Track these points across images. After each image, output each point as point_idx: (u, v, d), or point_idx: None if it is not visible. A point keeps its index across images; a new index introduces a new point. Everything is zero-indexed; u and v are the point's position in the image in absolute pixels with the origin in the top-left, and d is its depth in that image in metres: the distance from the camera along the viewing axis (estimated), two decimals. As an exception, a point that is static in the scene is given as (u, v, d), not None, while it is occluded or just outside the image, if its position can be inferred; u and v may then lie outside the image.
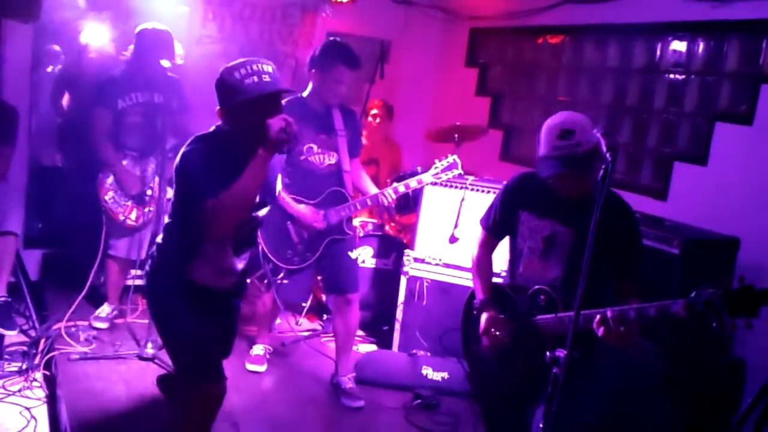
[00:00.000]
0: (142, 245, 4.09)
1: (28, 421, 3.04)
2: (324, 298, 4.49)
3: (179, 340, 2.48)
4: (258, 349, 3.93)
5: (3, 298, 3.58)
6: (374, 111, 5.23)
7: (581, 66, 5.01)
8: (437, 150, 4.48)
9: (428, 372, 3.86)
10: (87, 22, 4.76)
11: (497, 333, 2.48)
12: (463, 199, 4.06)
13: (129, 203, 4.02)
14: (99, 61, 4.65)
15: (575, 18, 4.94)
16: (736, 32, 3.87)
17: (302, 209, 3.50)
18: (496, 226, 2.63)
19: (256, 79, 2.21)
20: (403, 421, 3.53)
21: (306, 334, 4.45)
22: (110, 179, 3.99)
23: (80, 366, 3.60)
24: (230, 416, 3.26)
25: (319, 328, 4.58)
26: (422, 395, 3.68)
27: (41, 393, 3.29)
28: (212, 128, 2.36)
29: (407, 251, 4.18)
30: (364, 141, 4.15)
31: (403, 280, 4.16)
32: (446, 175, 3.65)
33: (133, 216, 4.03)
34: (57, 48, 5.23)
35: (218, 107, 2.30)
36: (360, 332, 4.38)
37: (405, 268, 4.16)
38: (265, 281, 3.60)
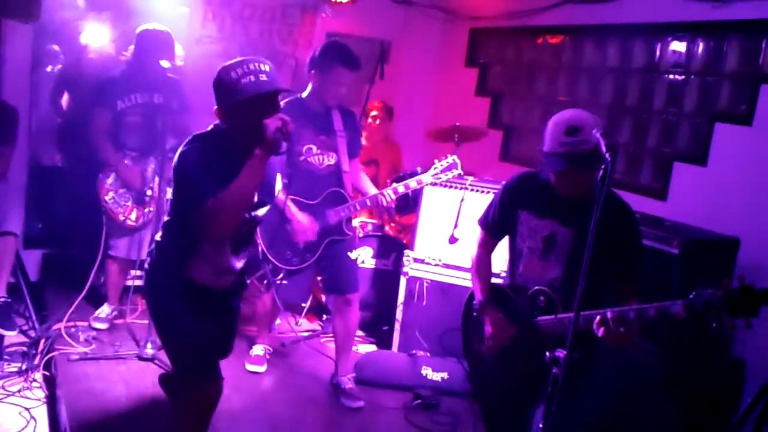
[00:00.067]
0: (142, 245, 4.08)
1: (28, 422, 3.04)
2: (324, 298, 4.49)
3: (178, 339, 2.48)
4: (258, 350, 3.93)
5: (3, 299, 3.58)
6: (374, 113, 5.22)
7: (581, 66, 5.01)
8: (437, 150, 4.48)
9: (428, 372, 3.86)
10: (87, 22, 4.76)
11: (503, 334, 2.48)
12: (462, 200, 4.06)
13: (129, 203, 4.02)
14: (99, 61, 4.66)
15: (575, 18, 4.94)
16: (736, 32, 3.87)
17: (300, 218, 3.47)
18: (494, 225, 2.63)
19: (253, 78, 2.20)
20: (403, 421, 3.53)
21: (306, 334, 4.45)
22: (110, 179, 3.99)
23: (80, 366, 3.60)
24: (230, 416, 3.27)
25: (319, 328, 4.58)
26: (422, 395, 3.68)
27: (41, 393, 3.29)
28: (210, 127, 2.36)
29: (407, 251, 4.18)
30: (363, 142, 4.15)
31: (403, 281, 4.16)
32: (446, 175, 3.65)
33: (133, 216, 4.03)
34: (57, 48, 5.23)
35: (216, 106, 2.29)
36: (360, 332, 4.38)
37: (405, 269, 4.16)
38: (265, 282, 3.59)
